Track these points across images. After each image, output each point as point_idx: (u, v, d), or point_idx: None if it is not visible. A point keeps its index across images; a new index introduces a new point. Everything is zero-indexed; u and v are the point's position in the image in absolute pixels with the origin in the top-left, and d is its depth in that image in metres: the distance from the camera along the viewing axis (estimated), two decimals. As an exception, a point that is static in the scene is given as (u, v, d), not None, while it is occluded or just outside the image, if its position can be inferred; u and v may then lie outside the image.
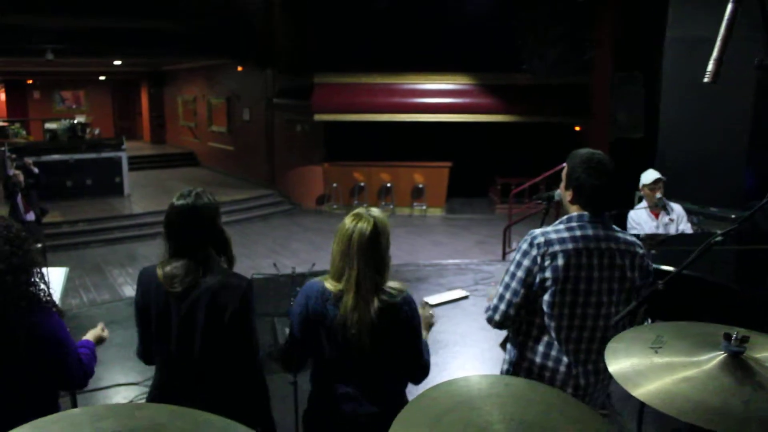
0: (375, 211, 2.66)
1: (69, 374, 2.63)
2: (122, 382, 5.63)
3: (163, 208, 11.38)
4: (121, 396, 5.31)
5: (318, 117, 15.06)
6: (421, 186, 15.57)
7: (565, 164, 2.87)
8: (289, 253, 12.08)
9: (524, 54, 12.27)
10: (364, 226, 2.57)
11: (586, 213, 2.72)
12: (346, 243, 2.58)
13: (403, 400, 2.70)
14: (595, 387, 2.77)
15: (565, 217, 2.77)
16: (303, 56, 15.66)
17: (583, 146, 2.98)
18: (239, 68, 18.36)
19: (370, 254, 2.56)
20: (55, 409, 2.73)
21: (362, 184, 15.87)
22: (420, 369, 2.73)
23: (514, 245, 11.43)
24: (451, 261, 9.74)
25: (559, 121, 14.63)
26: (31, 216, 11.03)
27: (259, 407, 2.79)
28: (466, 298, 7.48)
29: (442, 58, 14.53)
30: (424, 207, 15.65)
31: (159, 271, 2.67)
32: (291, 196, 16.98)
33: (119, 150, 17.44)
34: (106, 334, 3.07)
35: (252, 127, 18.63)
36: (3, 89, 28.57)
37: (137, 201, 16.55)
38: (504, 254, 10.98)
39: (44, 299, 2.59)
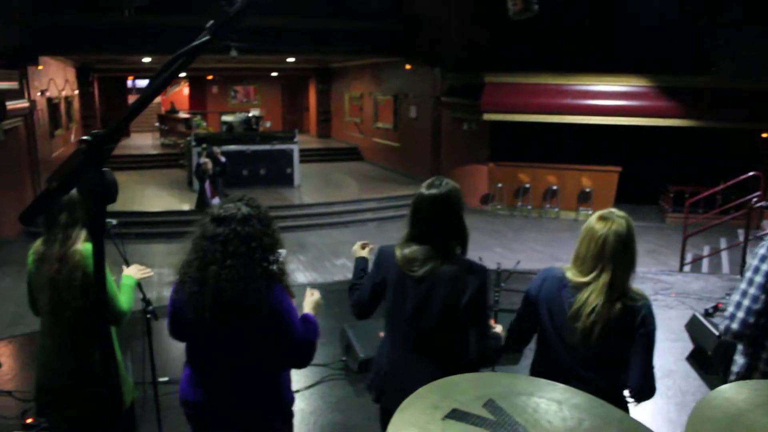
0: (623, 214, 2.70)
1: (295, 353, 2.77)
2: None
3: (331, 200, 11.86)
4: (310, 378, 5.59)
5: (487, 116, 15.03)
6: (588, 190, 15.17)
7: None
8: (452, 250, 12.11)
9: (714, 55, 11.59)
10: (620, 229, 2.62)
11: None
12: (600, 246, 2.62)
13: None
14: None
15: None
16: (473, 55, 15.67)
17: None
18: (407, 66, 18.66)
19: (622, 257, 2.61)
20: (286, 382, 2.92)
21: (527, 185, 15.70)
22: (644, 382, 2.64)
23: (688, 258, 10.86)
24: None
25: (743, 128, 13.77)
26: (216, 201, 11.82)
27: None
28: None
29: (616, 59, 14.05)
30: (591, 212, 15.15)
31: (398, 252, 2.79)
32: (455, 195, 17.01)
33: (291, 142, 18.25)
34: (317, 295, 3.11)
35: (418, 124, 18.90)
36: (187, 84, 30.89)
37: (306, 192, 17.26)
38: (681, 265, 10.46)
39: (282, 279, 2.78)
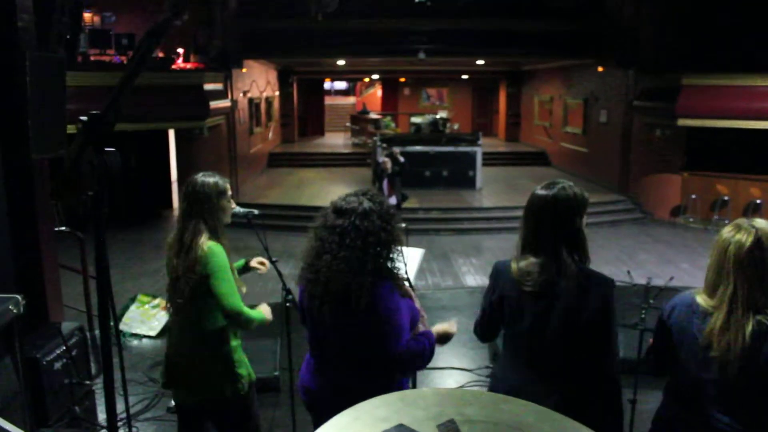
0: (760, 222, 2.32)
1: (390, 356, 2.60)
2: (456, 366, 5.78)
3: (511, 204, 11.53)
4: (453, 380, 5.47)
5: (682, 122, 13.98)
6: (799, 206, 13.66)
7: None
8: (634, 263, 11.39)
9: None
10: (743, 237, 2.27)
11: None
12: (721, 256, 2.30)
13: None
14: None
15: None
16: (669, 56, 14.69)
17: None
18: (599, 69, 17.87)
19: (748, 270, 2.24)
20: (403, 379, 2.81)
21: (726, 197, 14.43)
22: None
23: None
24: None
25: None
26: (393, 200, 12.03)
27: (611, 415, 2.66)
28: None
29: None
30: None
31: (513, 266, 2.64)
32: (643, 204, 16.09)
33: (475, 145, 18.17)
34: (454, 329, 3.00)
35: (608, 129, 18.02)
36: (381, 86, 31.83)
37: (487, 195, 17.09)
38: None
39: (397, 275, 2.69)
